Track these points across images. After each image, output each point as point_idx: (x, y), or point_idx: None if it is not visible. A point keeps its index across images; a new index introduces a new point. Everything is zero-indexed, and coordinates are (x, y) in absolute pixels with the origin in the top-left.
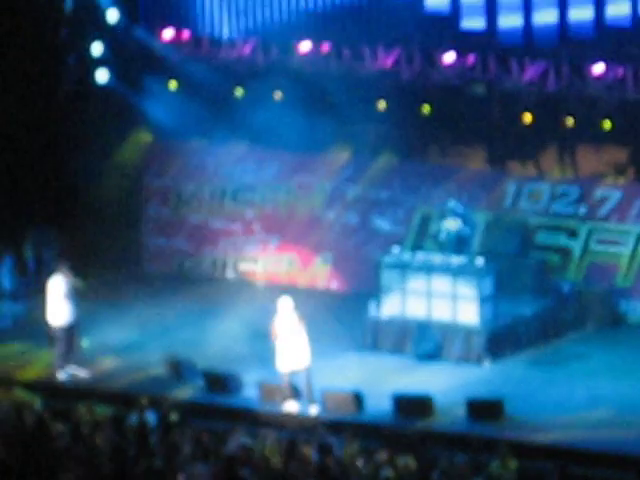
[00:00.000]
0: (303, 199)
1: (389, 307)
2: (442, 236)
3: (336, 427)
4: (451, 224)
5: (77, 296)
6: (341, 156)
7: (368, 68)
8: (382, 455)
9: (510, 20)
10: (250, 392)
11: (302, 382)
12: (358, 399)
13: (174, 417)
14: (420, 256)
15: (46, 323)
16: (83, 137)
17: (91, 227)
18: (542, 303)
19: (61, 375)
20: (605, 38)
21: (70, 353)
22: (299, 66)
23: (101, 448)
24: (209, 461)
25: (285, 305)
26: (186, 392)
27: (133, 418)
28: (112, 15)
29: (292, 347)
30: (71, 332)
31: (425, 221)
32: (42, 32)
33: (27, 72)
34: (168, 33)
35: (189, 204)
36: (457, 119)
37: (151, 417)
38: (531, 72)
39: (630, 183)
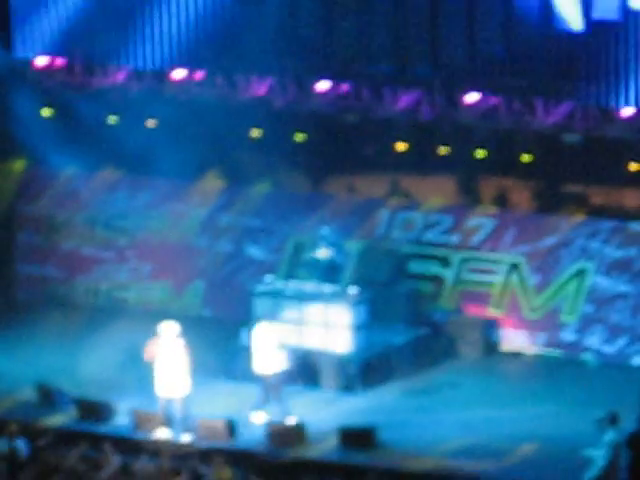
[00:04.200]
0: (176, 227)
1: None
2: (315, 264)
3: (208, 455)
4: (323, 252)
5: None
6: (215, 184)
7: (242, 96)
8: None
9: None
10: (123, 419)
11: (177, 409)
12: (231, 427)
13: (45, 444)
14: (293, 284)
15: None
16: None
17: None
18: (415, 332)
19: (256, 419)
20: (479, 67)
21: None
22: (173, 94)
23: None
24: None
25: (169, 330)
26: (57, 419)
27: (2, 444)
28: None
29: (171, 373)
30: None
31: (298, 249)
32: None
33: None
34: (42, 60)
35: (61, 231)
36: (330, 147)
37: (21, 444)
38: (405, 100)
39: (502, 212)
